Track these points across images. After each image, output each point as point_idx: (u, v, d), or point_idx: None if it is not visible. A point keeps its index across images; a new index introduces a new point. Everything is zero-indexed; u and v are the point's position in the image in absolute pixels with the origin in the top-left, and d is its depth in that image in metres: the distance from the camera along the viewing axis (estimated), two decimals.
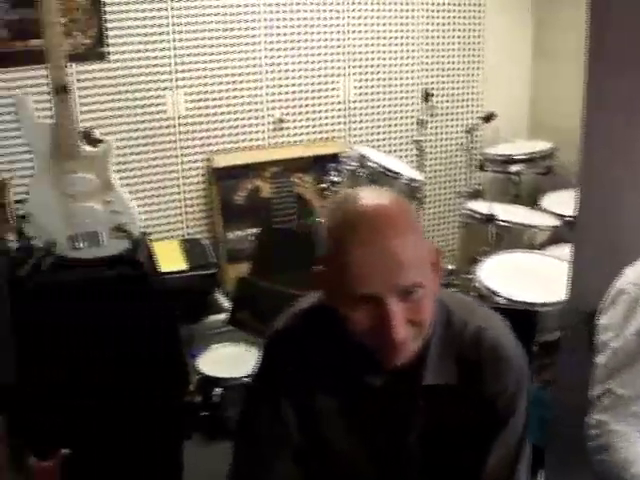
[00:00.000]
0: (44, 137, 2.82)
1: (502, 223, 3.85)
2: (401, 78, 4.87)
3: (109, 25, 4.01)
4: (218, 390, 3.43)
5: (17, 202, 2.81)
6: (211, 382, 3.46)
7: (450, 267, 4.37)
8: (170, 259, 3.79)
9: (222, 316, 3.88)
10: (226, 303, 4.01)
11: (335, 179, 3.53)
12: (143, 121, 4.21)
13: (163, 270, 3.47)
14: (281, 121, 4.52)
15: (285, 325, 1.62)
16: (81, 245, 2.90)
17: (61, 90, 2.77)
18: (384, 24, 4.71)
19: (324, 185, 3.60)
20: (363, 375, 1.49)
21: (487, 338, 1.49)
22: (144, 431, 2.99)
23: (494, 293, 3.18)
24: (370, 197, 1.39)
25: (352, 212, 1.36)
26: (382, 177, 3.40)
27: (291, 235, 3.72)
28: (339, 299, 1.38)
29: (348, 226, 1.34)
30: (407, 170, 3.63)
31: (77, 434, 2.78)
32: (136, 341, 2.91)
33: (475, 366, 1.47)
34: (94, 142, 2.90)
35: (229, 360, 3.59)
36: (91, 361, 2.89)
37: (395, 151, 4.87)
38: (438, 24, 4.88)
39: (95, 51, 4.03)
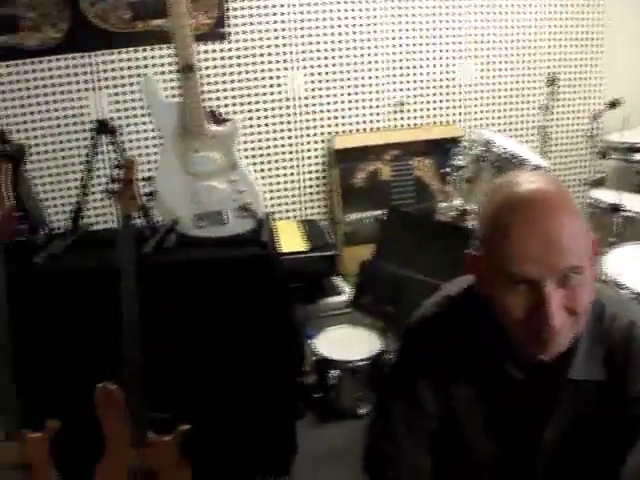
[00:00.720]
0: (171, 116, 2.84)
1: (628, 213, 3.71)
2: (523, 62, 4.75)
3: (230, 5, 4.04)
4: (334, 372, 3.42)
5: (144, 180, 2.84)
6: (327, 364, 3.46)
7: None
8: (290, 240, 3.80)
9: (339, 298, 3.88)
10: (343, 285, 4.00)
11: (459, 163, 3.45)
12: (263, 101, 4.23)
13: (284, 250, 3.48)
14: (402, 104, 4.47)
15: (428, 312, 1.60)
16: (205, 224, 2.92)
17: (188, 69, 2.79)
18: (506, 5, 4.61)
19: (447, 169, 3.53)
20: (505, 366, 1.46)
21: (639, 335, 1.43)
22: (259, 409, 3.01)
23: (620, 286, 3.06)
24: (531, 179, 1.36)
25: (514, 193, 1.33)
26: (507, 163, 3.30)
27: (416, 219, 3.66)
28: (494, 284, 1.34)
29: (510, 207, 1.31)
30: (533, 156, 3.53)
31: (195, 410, 2.81)
32: (255, 320, 2.92)
33: (624, 363, 1.41)
34: (220, 121, 2.91)
35: (345, 342, 3.58)
36: (209, 338, 2.92)
37: (516, 136, 4.76)
38: (562, 5, 4.75)
39: (216, 31, 4.07)
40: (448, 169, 3.50)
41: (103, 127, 3.22)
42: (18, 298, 2.63)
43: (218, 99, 4.12)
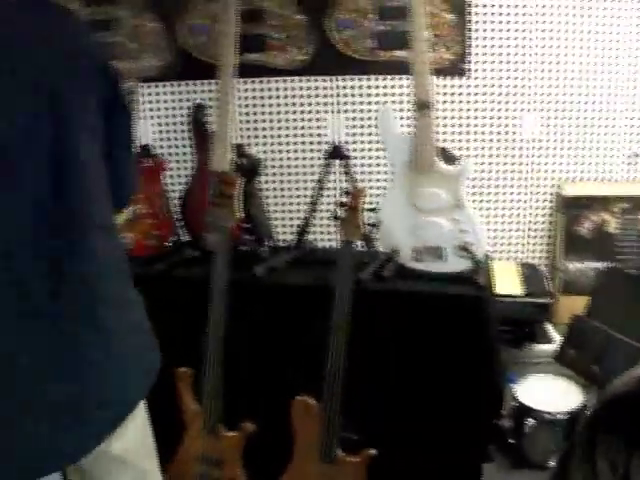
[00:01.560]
0: (402, 149, 2.91)
1: None
2: None
3: (473, 42, 4.06)
4: (531, 421, 3.37)
5: (370, 210, 2.93)
6: (525, 411, 3.40)
7: None
8: (507, 281, 3.77)
9: (547, 346, 3.80)
10: (553, 333, 3.92)
11: None
12: (497, 140, 4.21)
13: (498, 292, 3.47)
14: (637, 155, 4.33)
15: (619, 390, 1.57)
16: (424, 258, 2.97)
17: (423, 106, 2.85)
18: None
19: None
20: None
21: None
22: (448, 446, 3.01)
23: None
24: None
25: None
26: None
27: (636, 280, 3.55)
28: None
29: None
30: None
31: (383, 437, 2.85)
32: (459, 357, 2.93)
33: None
34: (450, 159, 2.95)
35: (547, 393, 3.49)
36: (410, 369, 2.97)
37: None
38: None
39: (457, 67, 4.10)
40: None
41: (337, 152, 3.35)
42: (235, 305, 2.78)
43: (453, 134, 4.16)
